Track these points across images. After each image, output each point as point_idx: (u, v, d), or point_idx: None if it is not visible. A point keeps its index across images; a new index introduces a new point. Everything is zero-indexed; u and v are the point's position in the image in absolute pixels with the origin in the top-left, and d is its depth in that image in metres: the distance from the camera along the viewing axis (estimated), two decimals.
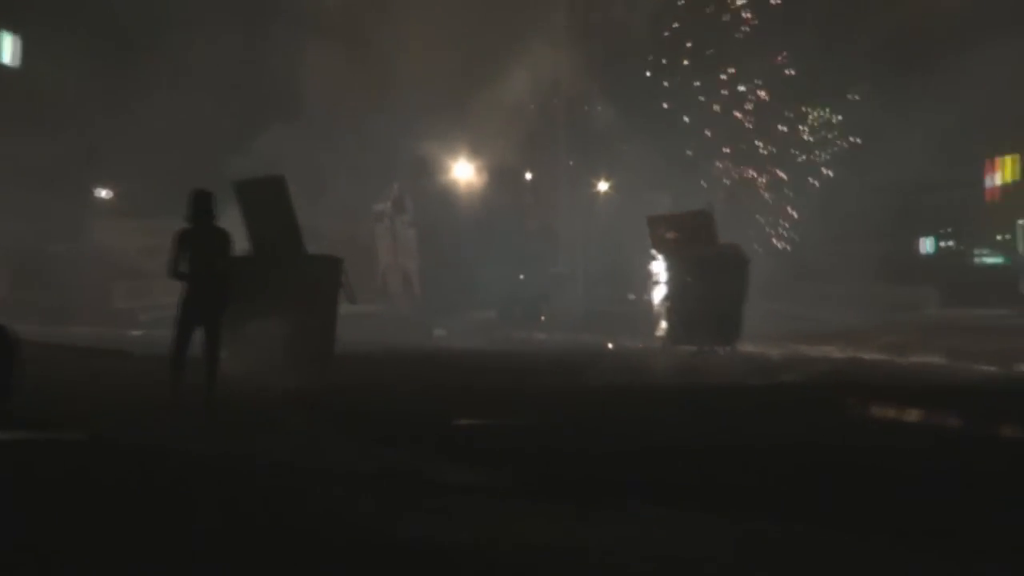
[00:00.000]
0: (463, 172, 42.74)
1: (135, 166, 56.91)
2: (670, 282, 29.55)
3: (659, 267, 30.10)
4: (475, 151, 43.19)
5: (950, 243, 66.41)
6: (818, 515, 8.28)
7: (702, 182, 58.91)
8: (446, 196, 41.98)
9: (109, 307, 45.16)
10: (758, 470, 10.69)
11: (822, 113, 71.31)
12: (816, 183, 66.13)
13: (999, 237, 60.04)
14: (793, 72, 57.85)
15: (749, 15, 55.11)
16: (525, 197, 42.68)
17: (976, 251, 63.37)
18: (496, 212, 40.80)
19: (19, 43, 59.22)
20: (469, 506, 8.00)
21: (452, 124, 43.40)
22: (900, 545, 7.55)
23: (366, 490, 8.39)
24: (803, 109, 69.22)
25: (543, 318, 41.18)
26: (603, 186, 54.02)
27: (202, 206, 14.66)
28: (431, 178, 42.64)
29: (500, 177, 42.39)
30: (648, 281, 31.80)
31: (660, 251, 30.11)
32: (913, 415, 14.58)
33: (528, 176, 45.73)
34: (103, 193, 61.82)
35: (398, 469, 9.77)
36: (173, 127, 54.42)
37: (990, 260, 60.23)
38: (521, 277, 40.62)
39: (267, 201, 22.42)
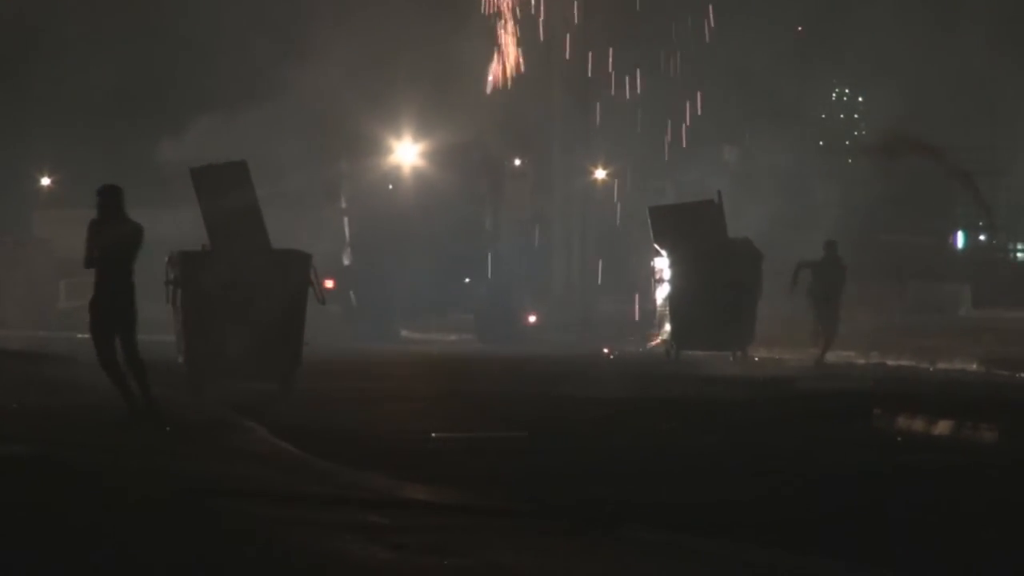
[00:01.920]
0: (408, 153, 41.75)
1: (81, 149, 56.84)
2: (675, 280, 29.55)
3: (663, 263, 30.11)
4: (428, 126, 42.13)
5: (983, 237, 66.72)
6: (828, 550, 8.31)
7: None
8: (387, 181, 41.15)
9: (53, 308, 45.08)
10: (773, 498, 10.71)
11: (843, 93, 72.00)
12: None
13: None
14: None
15: None
16: (488, 183, 41.64)
17: (1013, 246, 63.60)
18: (455, 202, 39.80)
19: None
20: (448, 530, 8.02)
21: (403, 86, 42.79)
22: None
23: (322, 515, 8.42)
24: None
25: (532, 318, 40.47)
26: (601, 173, 54.02)
27: (108, 202, 14.62)
28: (371, 159, 41.69)
29: (464, 160, 41.33)
30: (651, 279, 31.80)
31: (664, 246, 30.11)
32: (945, 433, 14.59)
33: (518, 162, 45.18)
34: (44, 180, 61.71)
35: (359, 491, 9.78)
36: (121, 105, 54.37)
37: None
38: (467, 280, 39.36)
39: (227, 190, 22.40)
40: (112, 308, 14.29)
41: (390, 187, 39.60)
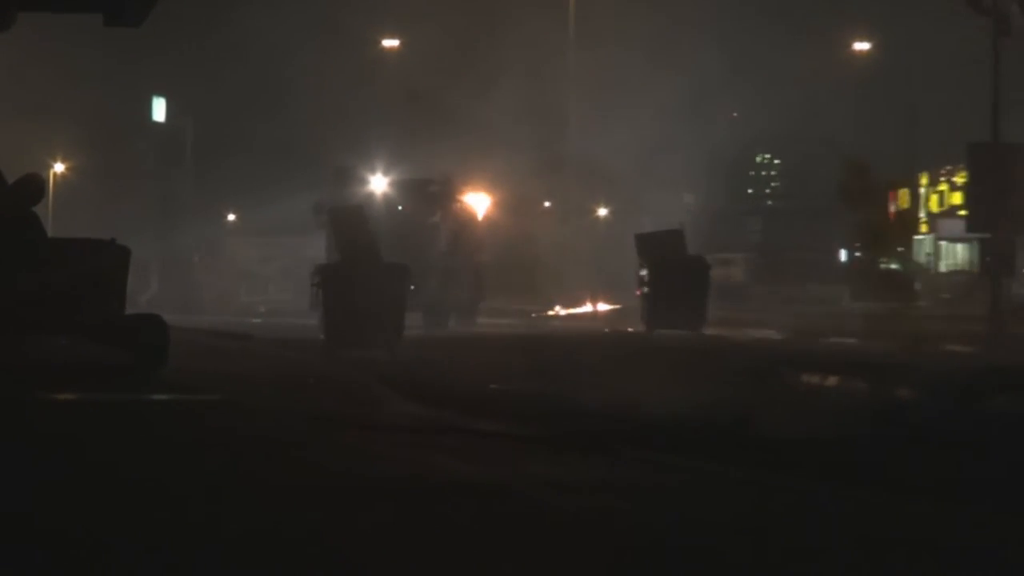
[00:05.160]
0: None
1: (255, 196, 57.19)
2: (651, 284, 29.44)
3: (644, 273, 30.01)
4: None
5: (858, 253, 66.75)
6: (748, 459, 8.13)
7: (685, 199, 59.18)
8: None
9: (236, 300, 45.48)
10: (704, 422, 10.47)
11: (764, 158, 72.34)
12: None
13: (899, 249, 59.66)
14: None
15: None
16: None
17: (880, 259, 63.43)
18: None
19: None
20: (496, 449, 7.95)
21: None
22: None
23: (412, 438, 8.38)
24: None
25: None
26: (603, 211, 53.47)
27: None
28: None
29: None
30: (637, 284, 31.62)
31: (644, 260, 30.05)
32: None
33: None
34: (231, 216, 61.95)
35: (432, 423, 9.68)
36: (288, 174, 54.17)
37: (891, 266, 59.94)
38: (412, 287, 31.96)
39: (353, 222, 22.41)
40: None
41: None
